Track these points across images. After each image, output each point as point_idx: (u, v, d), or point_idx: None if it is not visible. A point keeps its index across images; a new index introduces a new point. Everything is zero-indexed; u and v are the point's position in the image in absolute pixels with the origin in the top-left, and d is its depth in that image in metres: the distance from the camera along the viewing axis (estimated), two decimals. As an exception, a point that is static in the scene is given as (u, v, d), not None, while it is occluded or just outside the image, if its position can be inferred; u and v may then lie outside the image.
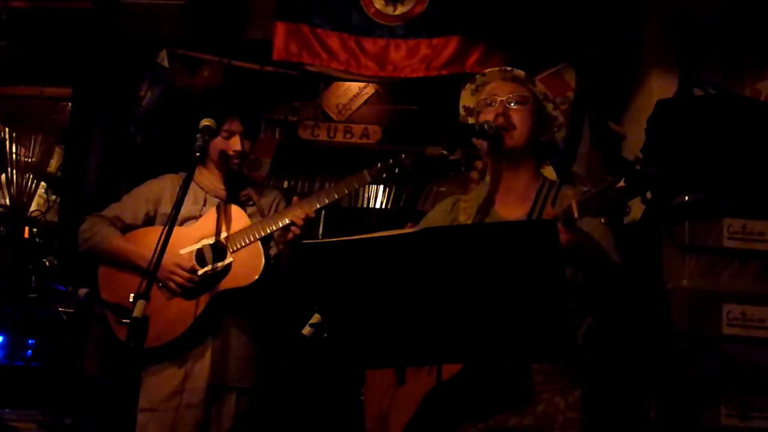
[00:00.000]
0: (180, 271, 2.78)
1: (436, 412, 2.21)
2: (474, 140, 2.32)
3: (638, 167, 1.85)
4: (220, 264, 2.80)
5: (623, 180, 1.85)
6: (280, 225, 2.79)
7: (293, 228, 2.71)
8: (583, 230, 2.10)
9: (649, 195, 1.90)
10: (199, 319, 2.78)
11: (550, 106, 2.40)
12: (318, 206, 2.78)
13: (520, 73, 2.37)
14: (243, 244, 2.80)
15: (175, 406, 2.77)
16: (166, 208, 2.90)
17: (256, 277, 2.78)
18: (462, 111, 2.51)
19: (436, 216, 2.51)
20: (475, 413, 2.18)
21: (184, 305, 2.79)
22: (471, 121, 2.46)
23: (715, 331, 2.65)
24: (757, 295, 2.69)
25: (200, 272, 2.79)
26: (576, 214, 1.94)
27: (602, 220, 2.12)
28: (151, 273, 2.27)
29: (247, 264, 2.80)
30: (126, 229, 2.93)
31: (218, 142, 2.88)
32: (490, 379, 2.16)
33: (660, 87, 3.57)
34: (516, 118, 2.30)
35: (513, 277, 1.73)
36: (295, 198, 2.86)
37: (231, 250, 2.81)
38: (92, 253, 2.92)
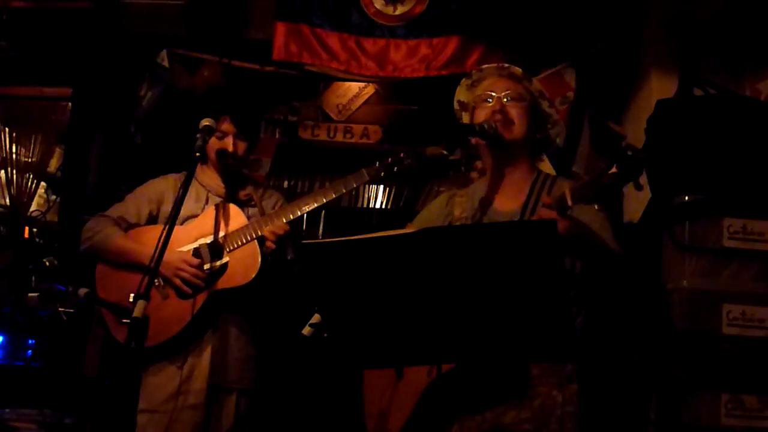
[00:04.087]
0: (188, 267, 2.78)
1: (434, 406, 2.21)
2: (473, 138, 2.33)
3: (629, 153, 1.85)
4: (217, 263, 2.80)
5: (615, 166, 1.86)
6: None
7: (268, 244, 2.73)
8: (578, 219, 2.10)
9: (642, 182, 1.90)
10: (195, 319, 2.78)
11: (545, 104, 2.42)
12: (309, 209, 2.79)
13: (517, 70, 2.39)
14: (239, 243, 2.80)
15: (175, 407, 2.76)
16: (169, 207, 2.89)
17: (253, 276, 2.77)
18: (456, 105, 2.52)
19: (431, 211, 2.53)
20: (473, 406, 2.19)
21: (180, 305, 2.79)
22: (465, 116, 2.47)
23: (715, 331, 2.65)
24: (757, 295, 2.68)
25: (205, 268, 2.79)
26: (569, 202, 1.95)
27: (595, 207, 2.12)
28: (151, 272, 2.26)
29: (243, 263, 2.79)
30: (130, 229, 2.93)
31: (214, 143, 2.88)
32: (487, 373, 2.17)
33: (660, 87, 3.57)
34: (513, 114, 2.33)
35: (512, 277, 1.73)
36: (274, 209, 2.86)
37: (227, 250, 2.81)
38: (94, 252, 2.91)
